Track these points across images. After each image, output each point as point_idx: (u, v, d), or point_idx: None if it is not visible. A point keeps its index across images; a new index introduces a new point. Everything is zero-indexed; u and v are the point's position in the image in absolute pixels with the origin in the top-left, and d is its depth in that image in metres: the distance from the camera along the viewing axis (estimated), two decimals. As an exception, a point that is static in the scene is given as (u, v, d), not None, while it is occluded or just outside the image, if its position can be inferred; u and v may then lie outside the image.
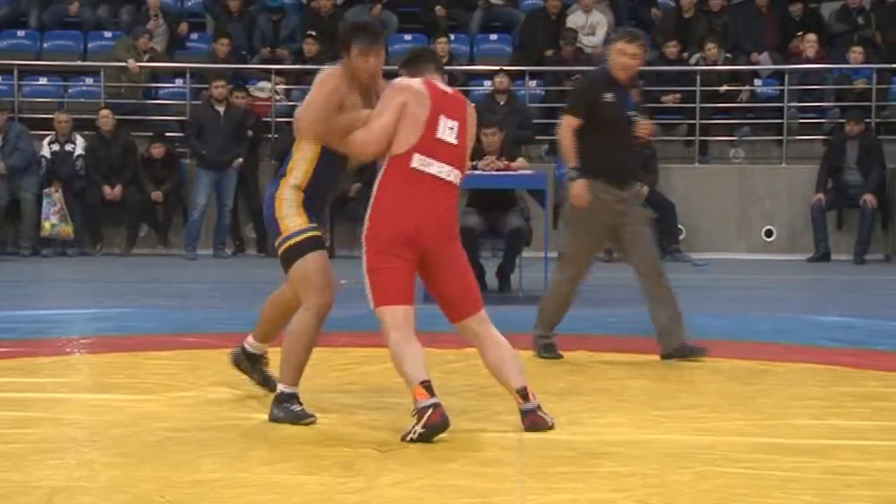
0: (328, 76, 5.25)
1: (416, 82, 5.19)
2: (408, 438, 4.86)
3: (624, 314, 8.94)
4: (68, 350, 7.23)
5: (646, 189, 13.04)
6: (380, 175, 5.15)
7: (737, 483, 4.32)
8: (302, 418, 5.15)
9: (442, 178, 5.14)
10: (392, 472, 4.44)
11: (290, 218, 5.21)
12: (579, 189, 6.80)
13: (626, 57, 6.88)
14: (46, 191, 13.28)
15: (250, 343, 5.71)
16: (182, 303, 9.79)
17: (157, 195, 13.42)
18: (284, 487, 4.24)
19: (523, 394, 5.11)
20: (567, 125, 6.90)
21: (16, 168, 13.20)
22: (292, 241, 5.20)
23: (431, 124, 5.15)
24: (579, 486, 4.27)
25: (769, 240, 13.65)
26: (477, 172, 9.89)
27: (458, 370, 6.41)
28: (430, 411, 4.87)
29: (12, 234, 13.48)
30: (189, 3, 16.01)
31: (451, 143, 5.19)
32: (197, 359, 6.72)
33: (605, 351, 7.17)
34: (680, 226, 13.25)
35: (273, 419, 5.20)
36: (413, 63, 5.34)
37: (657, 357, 6.89)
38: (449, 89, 5.30)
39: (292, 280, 5.24)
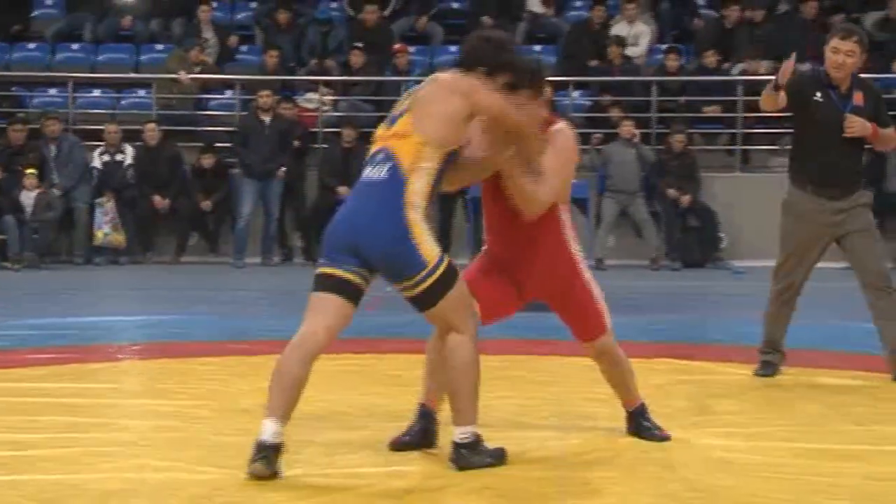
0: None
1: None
2: None
3: (670, 321, 9.00)
4: (119, 356, 7.27)
5: (688, 197, 13.17)
6: (560, 215, 4.83)
7: (780, 487, 4.30)
8: (503, 458, 4.59)
9: None
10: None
11: (431, 243, 4.48)
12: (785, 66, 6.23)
13: (839, 55, 6.39)
14: (98, 200, 13.52)
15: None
16: (231, 310, 9.89)
17: (206, 204, 13.61)
18: (335, 489, 4.24)
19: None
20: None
21: (69, 186, 13.45)
22: (442, 270, 4.48)
23: None
24: (619, 490, 4.30)
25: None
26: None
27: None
28: None
29: (66, 243, 13.70)
30: (239, 16, 16.25)
31: None
32: (245, 364, 6.79)
33: (644, 357, 6.94)
34: (721, 234, 13.29)
35: (477, 467, 4.51)
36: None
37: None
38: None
39: (446, 310, 4.50)
